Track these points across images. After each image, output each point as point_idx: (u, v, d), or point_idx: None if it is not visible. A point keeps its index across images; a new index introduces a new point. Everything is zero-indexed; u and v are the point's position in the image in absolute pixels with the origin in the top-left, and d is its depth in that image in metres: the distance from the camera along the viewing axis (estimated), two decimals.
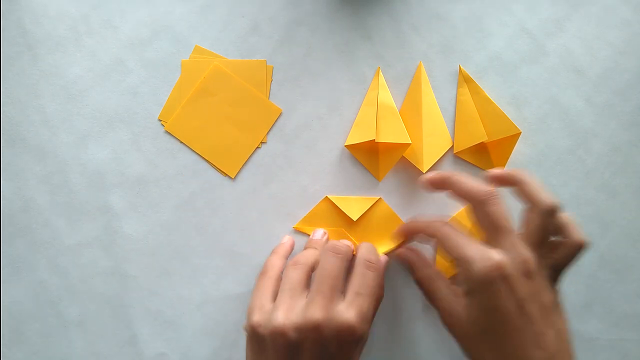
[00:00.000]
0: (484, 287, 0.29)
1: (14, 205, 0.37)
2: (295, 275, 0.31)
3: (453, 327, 0.31)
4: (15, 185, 0.37)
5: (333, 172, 0.38)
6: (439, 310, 0.32)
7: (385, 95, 0.38)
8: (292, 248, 0.37)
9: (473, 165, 0.38)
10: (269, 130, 0.38)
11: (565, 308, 0.31)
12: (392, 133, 0.37)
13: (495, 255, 0.29)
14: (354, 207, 0.37)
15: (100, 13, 0.38)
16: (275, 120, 0.38)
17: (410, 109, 0.38)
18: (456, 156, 0.38)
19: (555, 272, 0.31)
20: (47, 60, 0.38)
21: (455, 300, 0.31)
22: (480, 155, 0.38)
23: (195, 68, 0.38)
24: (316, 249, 0.35)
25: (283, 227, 0.38)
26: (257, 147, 0.38)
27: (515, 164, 0.38)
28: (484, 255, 0.29)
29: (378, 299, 0.33)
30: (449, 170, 0.35)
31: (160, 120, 0.38)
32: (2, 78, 0.37)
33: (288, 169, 0.38)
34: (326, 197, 0.38)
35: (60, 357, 0.37)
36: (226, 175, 0.38)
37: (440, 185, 0.33)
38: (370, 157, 0.38)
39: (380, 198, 0.38)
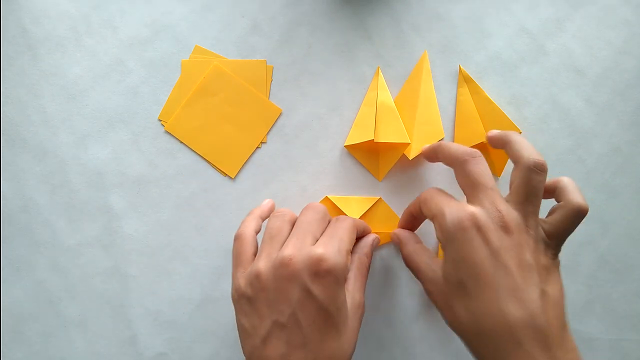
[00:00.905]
0: (456, 235, 0.28)
1: (14, 205, 0.37)
2: (276, 224, 0.31)
3: (431, 291, 0.30)
4: (15, 185, 0.37)
5: (333, 172, 0.38)
6: (421, 281, 0.31)
7: (385, 95, 0.38)
8: (270, 210, 0.35)
9: None
10: (269, 130, 0.38)
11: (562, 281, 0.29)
12: (392, 133, 0.37)
13: (469, 207, 0.28)
14: (354, 207, 0.37)
15: (100, 13, 0.38)
16: (275, 120, 0.38)
17: (407, 97, 0.38)
18: None
19: (552, 239, 0.29)
20: (47, 60, 0.38)
21: (435, 264, 0.31)
22: None
23: (195, 68, 0.38)
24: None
25: None
26: (257, 147, 0.38)
27: None
28: (459, 208, 0.29)
29: (366, 265, 0.33)
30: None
31: (160, 120, 0.38)
32: (2, 78, 0.37)
33: (288, 169, 0.38)
34: (326, 197, 0.38)
35: (60, 357, 0.37)
36: (226, 175, 0.38)
37: (432, 156, 0.34)
38: (369, 157, 0.38)
39: (380, 198, 0.38)
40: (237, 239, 0.32)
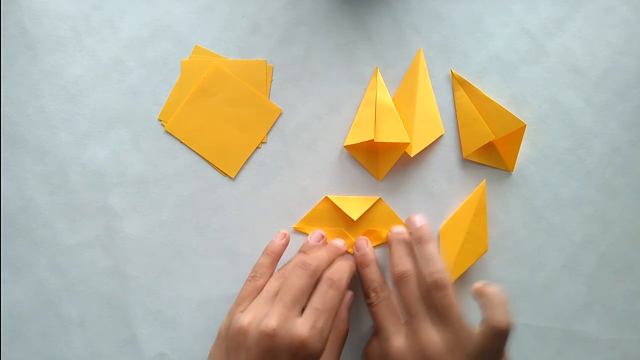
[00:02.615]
0: None
1: (14, 205, 0.37)
2: (275, 285, 0.32)
3: None
4: (15, 185, 0.38)
5: (333, 172, 0.38)
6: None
7: (384, 95, 0.38)
8: (285, 247, 0.36)
9: (485, 165, 0.38)
10: (269, 130, 0.38)
11: None
12: (391, 133, 0.37)
13: (395, 344, 0.32)
14: (354, 207, 0.37)
15: (100, 13, 0.38)
16: (275, 120, 0.38)
17: (405, 95, 0.38)
18: (466, 160, 0.38)
19: (480, 353, 0.29)
20: (47, 60, 0.38)
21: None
22: (490, 155, 0.38)
23: (195, 68, 0.38)
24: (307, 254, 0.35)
25: (283, 227, 0.38)
26: (257, 147, 0.38)
27: (517, 163, 0.38)
28: (389, 343, 0.32)
29: (343, 334, 0.34)
30: (420, 216, 0.36)
31: (160, 120, 0.38)
32: (2, 78, 0.38)
33: (288, 169, 0.38)
34: (326, 197, 0.38)
35: (60, 357, 0.37)
36: (226, 175, 0.38)
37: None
38: (369, 157, 0.38)
39: (380, 198, 0.38)
40: (251, 281, 0.34)
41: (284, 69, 0.38)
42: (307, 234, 0.38)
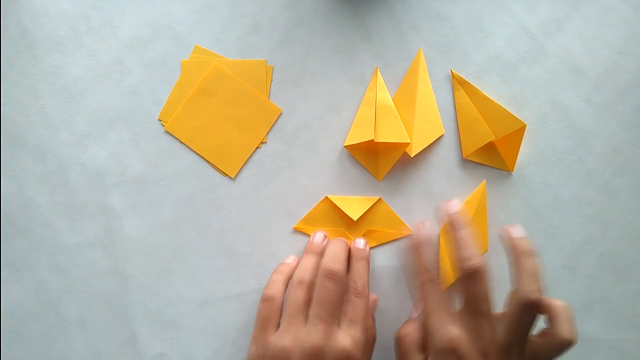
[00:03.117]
0: (439, 356, 0.30)
1: (14, 205, 0.37)
2: (299, 297, 0.32)
3: None
4: (15, 185, 0.38)
5: (333, 172, 0.38)
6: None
7: (384, 95, 0.38)
8: (296, 267, 0.36)
9: (485, 165, 0.38)
10: (269, 130, 0.38)
11: None
12: (391, 133, 0.37)
13: (452, 332, 0.30)
14: (354, 207, 0.37)
15: (100, 13, 0.38)
16: (275, 120, 0.38)
17: (405, 95, 0.38)
18: (466, 160, 0.38)
19: (537, 359, 0.31)
20: (47, 60, 0.38)
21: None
22: (490, 155, 0.38)
23: (195, 68, 0.38)
24: (316, 253, 0.35)
25: (283, 227, 0.38)
26: (257, 147, 0.38)
27: (517, 163, 0.38)
28: (443, 329, 0.31)
29: (372, 342, 0.34)
30: (457, 212, 0.34)
31: (160, 120, 0.38)
32: (2, 78, 0.38)
33: (288, 169, 0.38)
34: (326, 197, 0.38)
35: (60, 357, 0.37)
36: (226, 175, 0.38)
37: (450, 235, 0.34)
38: (369, 157, 0.38)
39: (380, 198, 0.38)
40: (268, 300, 0.33)
41: (284, 69, 0.38)
42: (308, 235, 0.38)
